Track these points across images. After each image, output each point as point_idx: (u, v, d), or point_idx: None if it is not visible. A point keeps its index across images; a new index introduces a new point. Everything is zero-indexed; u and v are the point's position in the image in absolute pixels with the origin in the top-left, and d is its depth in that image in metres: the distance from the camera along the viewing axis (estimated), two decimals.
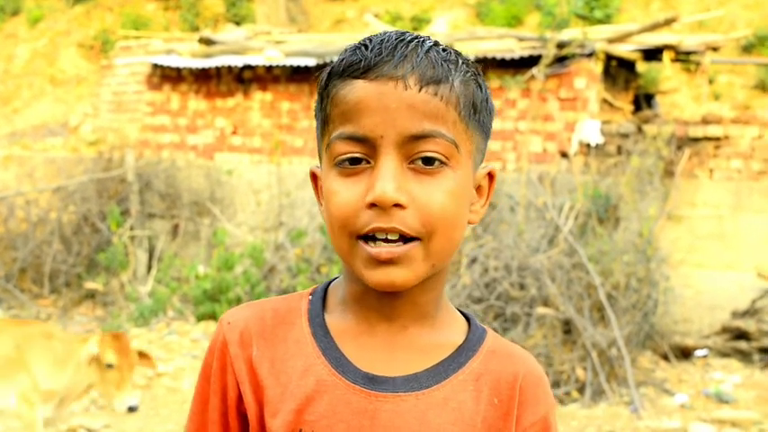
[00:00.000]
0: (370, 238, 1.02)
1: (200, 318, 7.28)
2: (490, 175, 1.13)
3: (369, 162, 1.02)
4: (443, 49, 1.06)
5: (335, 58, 1.09)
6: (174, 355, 6.54)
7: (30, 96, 15.79)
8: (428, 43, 1.05)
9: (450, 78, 1.03)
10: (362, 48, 1.04)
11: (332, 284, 1.16)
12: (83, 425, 5.32)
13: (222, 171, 9.38)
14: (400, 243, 1.01)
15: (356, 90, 1.03)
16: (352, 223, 1.02)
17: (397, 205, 1.00)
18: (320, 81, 1.09)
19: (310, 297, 1.14)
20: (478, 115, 1.07)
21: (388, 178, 1.00)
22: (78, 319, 8.48)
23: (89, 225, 9.26)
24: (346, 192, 1.02)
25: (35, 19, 17.02)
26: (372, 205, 1.00)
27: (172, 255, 8.58)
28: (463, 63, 1.07)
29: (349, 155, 1.03)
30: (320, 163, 1.11)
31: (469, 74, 1.06)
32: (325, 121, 1.07)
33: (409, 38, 1.05)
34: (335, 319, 1.11)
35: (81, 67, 16.00)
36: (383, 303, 1.08)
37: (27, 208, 9.32)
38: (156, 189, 9.64)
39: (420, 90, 1.01)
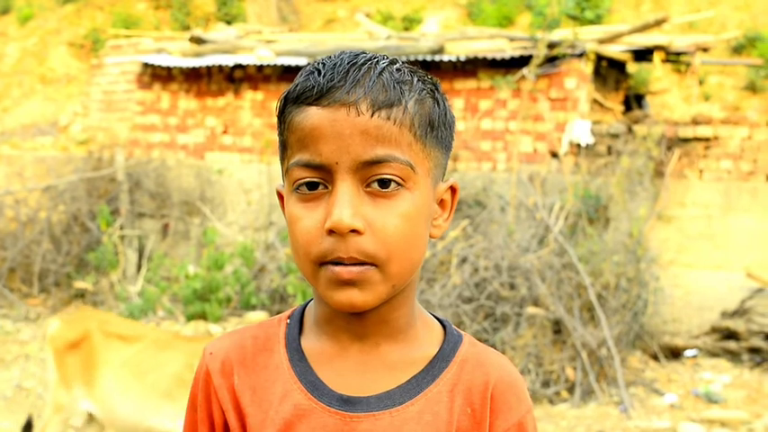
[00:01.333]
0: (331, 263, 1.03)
1: (190, 317, 7.26)
2: (452, 189, 1.13)
3: (326, 186, 1.03)
4: (397, 69, 1.05)
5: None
6: None
7: (19, 95, 15.72)
8: (382, 64, 1.05)
9: (403, 100, 1.03)
10: (315, 73, 1.06)
11: (308, 307, 1.17)
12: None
13: (212, 170, 9.36)
14: (359, 265, 1.02)
15: (310, 117, 1.04)
16: (314, 250, 1.03)
17: (354, 231, 1.01)
18: (278, 106, 1.10)
19: (288, 321, 1.15)
20: (436, 132, 1.07)
21: (345, 205, 1.00)
22: None
23: (79, 224, 9.23)
24: (306, 218, 1.04)
25: (25, 17, 16.95)
26: (331, 231, 1.01)
27: (162, 254, 8.56)
28: (419, 81, 1.06)
29: (306, 179, 1.04)
30: (283, 183, 1.12)
31: (425, 91, 1.06)
32: (284, 146, 1.09)
33: (362, 60, 1.05)
34: (310, 342, 1.12)
35: (71, 66, 15.94)
36: (353, 323, 1.09)
37: (16, 207, 9.28)
38: (146, 188, 9.61)
39: (372, 115, 1.01)
